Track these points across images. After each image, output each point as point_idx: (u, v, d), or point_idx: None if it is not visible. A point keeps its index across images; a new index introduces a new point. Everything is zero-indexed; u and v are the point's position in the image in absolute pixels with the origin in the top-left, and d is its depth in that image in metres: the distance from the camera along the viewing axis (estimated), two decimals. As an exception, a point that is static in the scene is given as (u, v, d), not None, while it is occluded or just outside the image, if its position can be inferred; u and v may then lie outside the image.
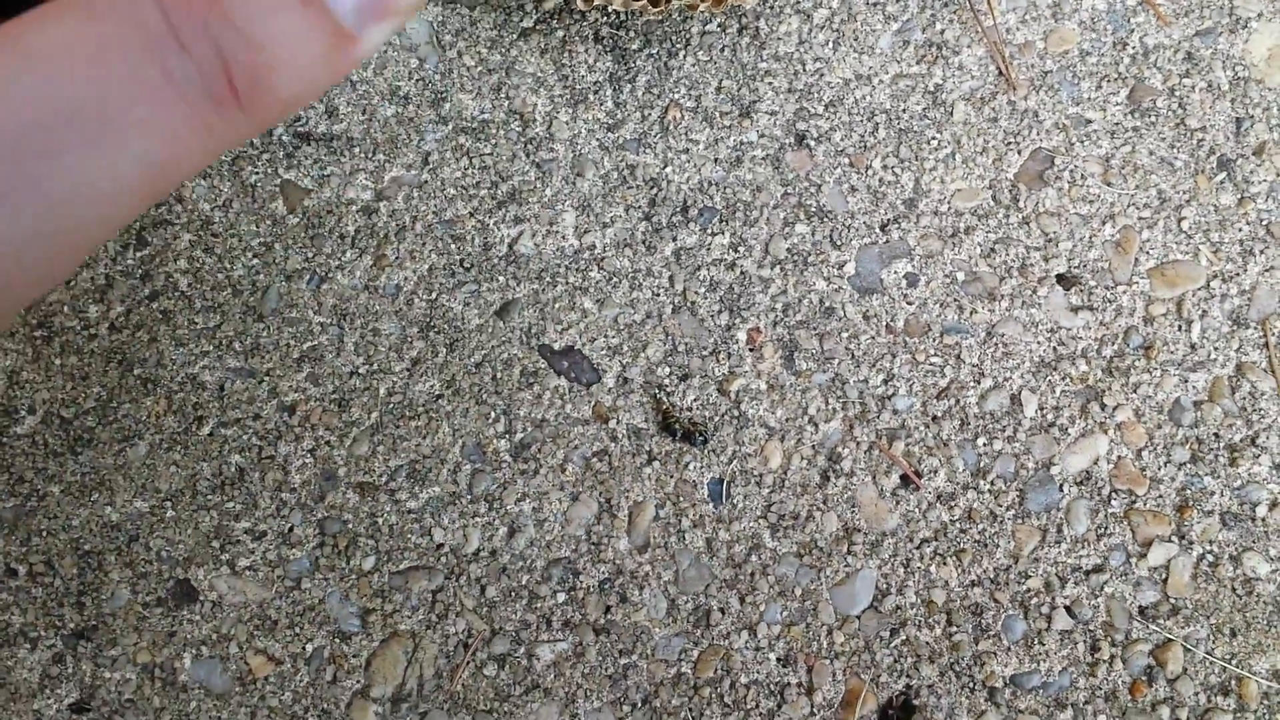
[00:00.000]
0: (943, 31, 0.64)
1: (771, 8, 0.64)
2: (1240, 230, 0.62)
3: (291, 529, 0.58)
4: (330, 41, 0.17)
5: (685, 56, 0.64)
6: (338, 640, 0.57)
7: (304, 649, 0.57)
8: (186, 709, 0.56)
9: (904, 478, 0.58)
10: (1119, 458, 0.59)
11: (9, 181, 0.16)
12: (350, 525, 0.58)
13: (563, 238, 0.62)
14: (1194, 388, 0.60)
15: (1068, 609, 0.57)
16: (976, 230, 0.62)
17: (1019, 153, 0.63)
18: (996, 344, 0.60)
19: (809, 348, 0.60)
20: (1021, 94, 0.63)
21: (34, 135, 0.16)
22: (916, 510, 0.58)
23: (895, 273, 0.61)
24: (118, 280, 0.62)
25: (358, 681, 0.57)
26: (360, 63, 0.19)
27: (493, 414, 0.59)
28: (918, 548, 0.57)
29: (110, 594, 0.58)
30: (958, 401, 0.59)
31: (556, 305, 0.61)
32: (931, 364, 0.60)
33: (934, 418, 0.59)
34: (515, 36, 0.64)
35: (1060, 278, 0.61)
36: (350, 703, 0.56)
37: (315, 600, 0.57)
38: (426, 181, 0.63)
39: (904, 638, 0.57)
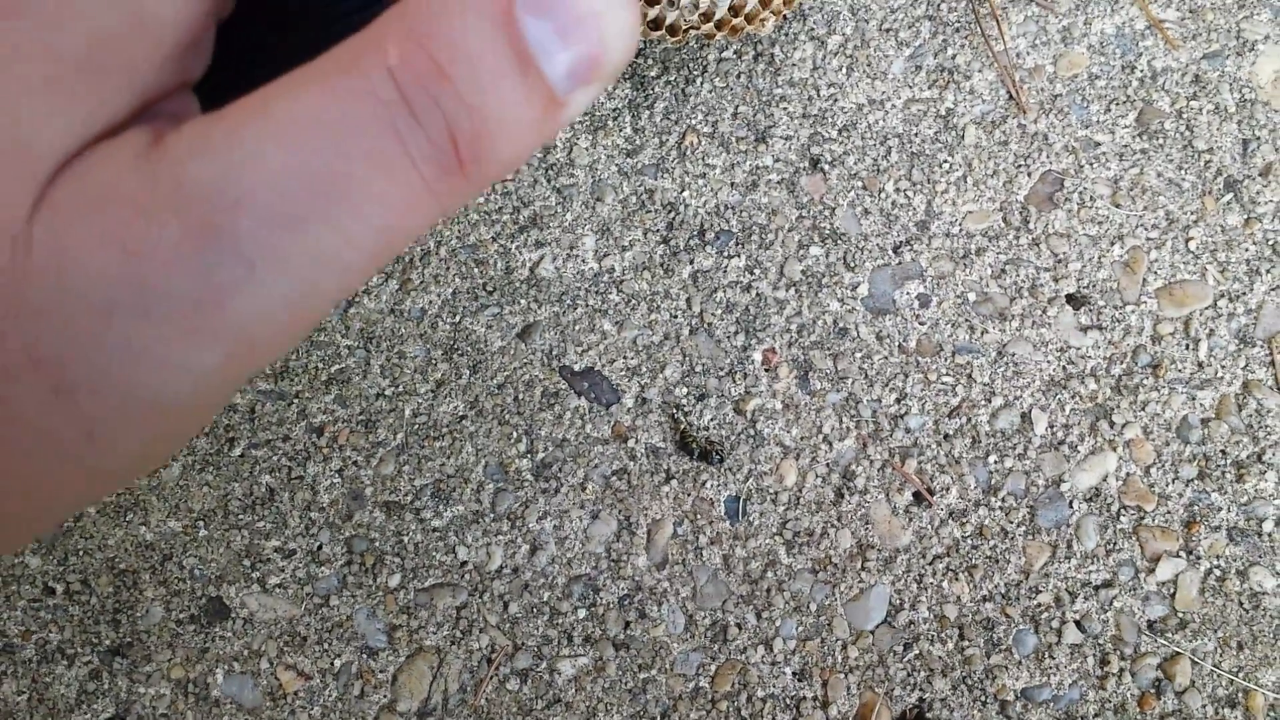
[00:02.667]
0: (954, 57, 0.70)
1: (786, 35, 0.70)
2: (1247, 250, 0.67)
3: (320, 547, 0.64)
4: (544, 107, 0.18)
5: (702, 83, 0.70)
6: (365, 656, 0.63)
7: (332, 664, 0.63)
8: (220, 722, 0.62)
9: (917, 495, 0.64)
10: (1128, 475, 0.64)
11: (258, 251, 0.17)
12: (377, 543, 0.64)
13: (583, 261, 0.68)
14: (1201, 405, 0.65)
15: (1078, 623, 0.62)
16: (987, 251, 0.67)
17: (1029, 175, 0.68)
18: (1007, 363, 0.66)
19: (823, 368, 0.66)
20: (1032, 117, 0.69)
21: (282, 207, 0.17)
22: (929, 527, 0.63)
23: (908, 294, 0.67)
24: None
25: (384, 696, 0.62)
26: (566, 126, 0.21)
27: (515, 434, 0.65)
28: (930, 564, 0.63)
29: (145, 611, 0.64)
30: (969, 420, 0.65)
31: (577, 327, 0.67)
32: (943, 383, 0.65)
33: (946, 436, 0.65)
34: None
35: (1070, 298, 0.67)
36: (377, 717, 0.62)
37: (343, 617, 0.63)
38: (449, 207, 0.69)
39: (917, 652, 0.62)
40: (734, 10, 0.64)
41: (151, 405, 0.18)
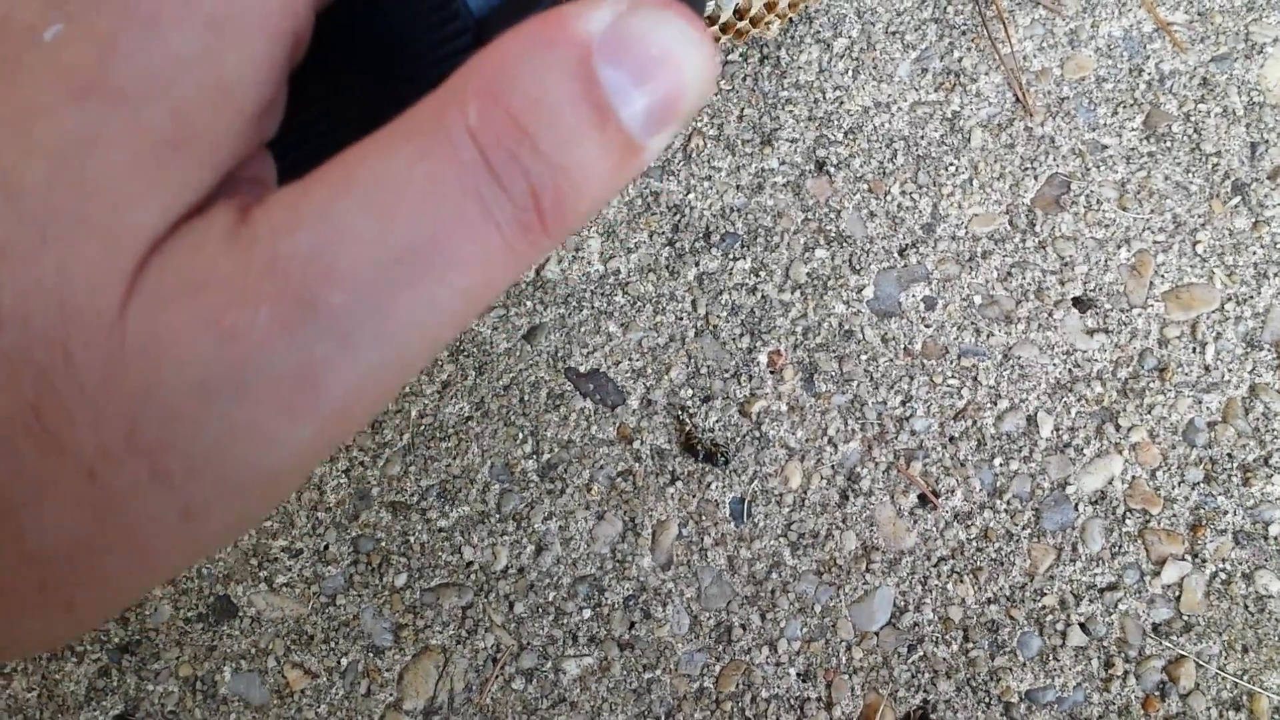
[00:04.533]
0: (960, 60, 0.74)
1: (792, 38, 0.74)
2: (1255, 254, 0.70)
3: (327, 547, 0.67)
4: (623, 154, 0.19)
5: (707, 86, 0.74)
6: (371, 655, 0.66)
7: (339, 663, 0.66)
8: None
9: (922, 497, 0.67)
10: (1133, 478, 0.67)
11: (350, 325, 0.18)
12: (383, 543, 0.67)
13: (588, 263, 0.71)
14: (1208, 409, 0.68)
15: (1082, 626, 0.65)
16: (993, 255, 0.70)
17: (1036, 178, 0.72)
18: (1013, 366, 0.69)
19: (828, 370, 0.69)
20: (1038, 120, 0.72)
21: (372, 279, 0.18)
22: (934, 529, 0.67)
23: (913, 296, 0.70)
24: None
25: (390, 695, 0.66)
26: (646, 168, 0.22)
27: (520, 435, 0.69)
28: (935, 566, 0.66)
29: (153, 609, 0.67)
30: (975, 423, 0.68)
31: (582, 329, 0.70)
32: (949, 386, 0.69)
33: (951, 438, 0.68)
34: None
35: (1076, 301, 0.70)
36: (383, 715, 0.65)
37: (350, 616, 0.67)
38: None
39: (921, 654, 0.65)
40: (739, 14, 0.68)
41: (248, 482, 0.19)
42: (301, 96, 0.21)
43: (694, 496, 0.68)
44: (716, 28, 0.68)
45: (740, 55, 0.74)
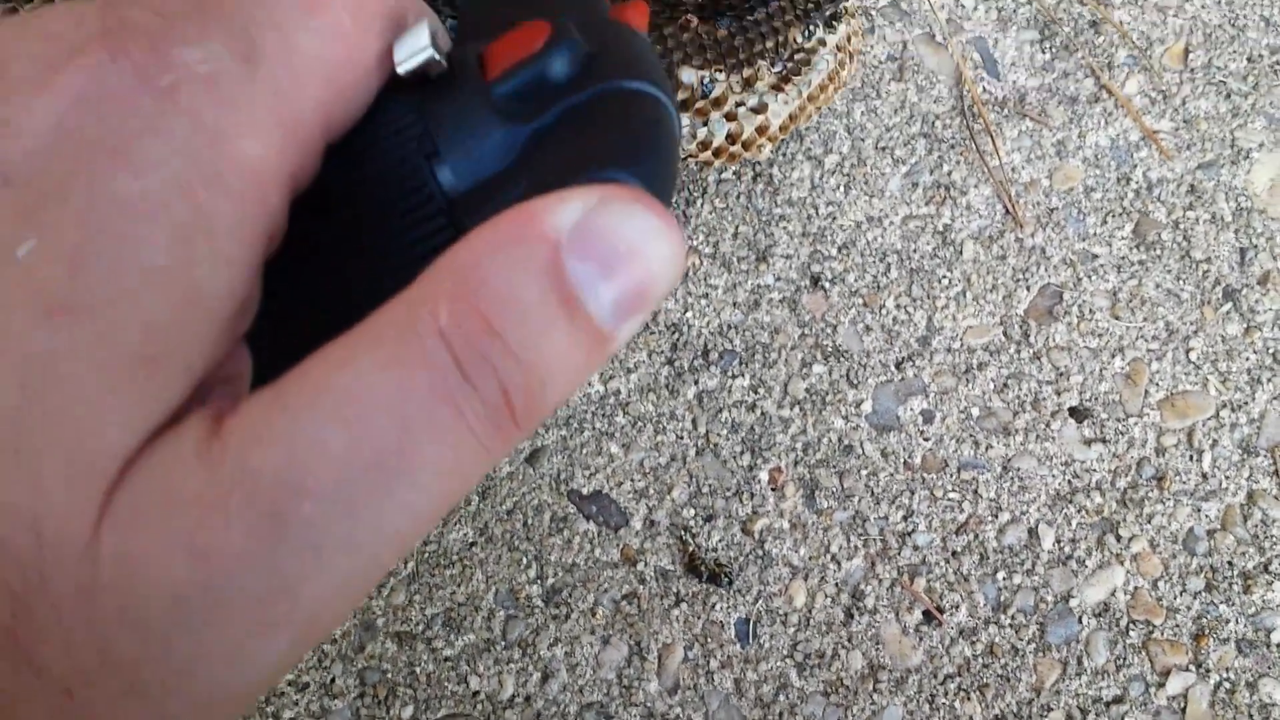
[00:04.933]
0: (950, 173, 0.75)
1: (784, 155, 0.75)
2: (1248, 360, 0.71)
3: (333, 680, 0.68)
4: (591, 346, 0.19)
5: (703, 204, 0.75)
6: (379, 787, 0.66)
7: (347, 797, 0.66)
8: None
9: (926, 614, 0.68)
10: (1135, 589, 0.68)
11: (323, 537, 0.18)
12: (389, 675, 0.68)
13: (589, 384, 0.72)
14: (1207, 517, 0.69)
15: (1090, 741, 0.66)
16: (989, 366, 0.72)
17: (1028, 289, 0.73)
18: (1013, 478, 0.70)
19: (830, 486, 0.70)
20: (1029, 231, 0.74)
21: (345, 489, 0.18)
22: (940, 646, 0.67)
23: (911, 410, 0.71)
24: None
25: (399, 828, 0.66)
26: (614, 355, 0.25)
27: (524, 560, 0.69)
28: (942, 683, 0.67)
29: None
30: (977, 536, 0.69)
31: (584, 451, 0.71)
32: (950, 499, 0.70)
33: (954, 553, 0.69)
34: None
35: (1073, 411, 0.71)
36: None
37: (357, 748, 0.67)
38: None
39: (931, 773, 0.66)
40: (731, 138, 0.69)
41: (223, 695, 0.19)
42: (275, 282, 0.22)
43: (699, 618, 0.68)
44: (710, 152, 0.70)
45: (734, 173, 0.76)
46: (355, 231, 0.23)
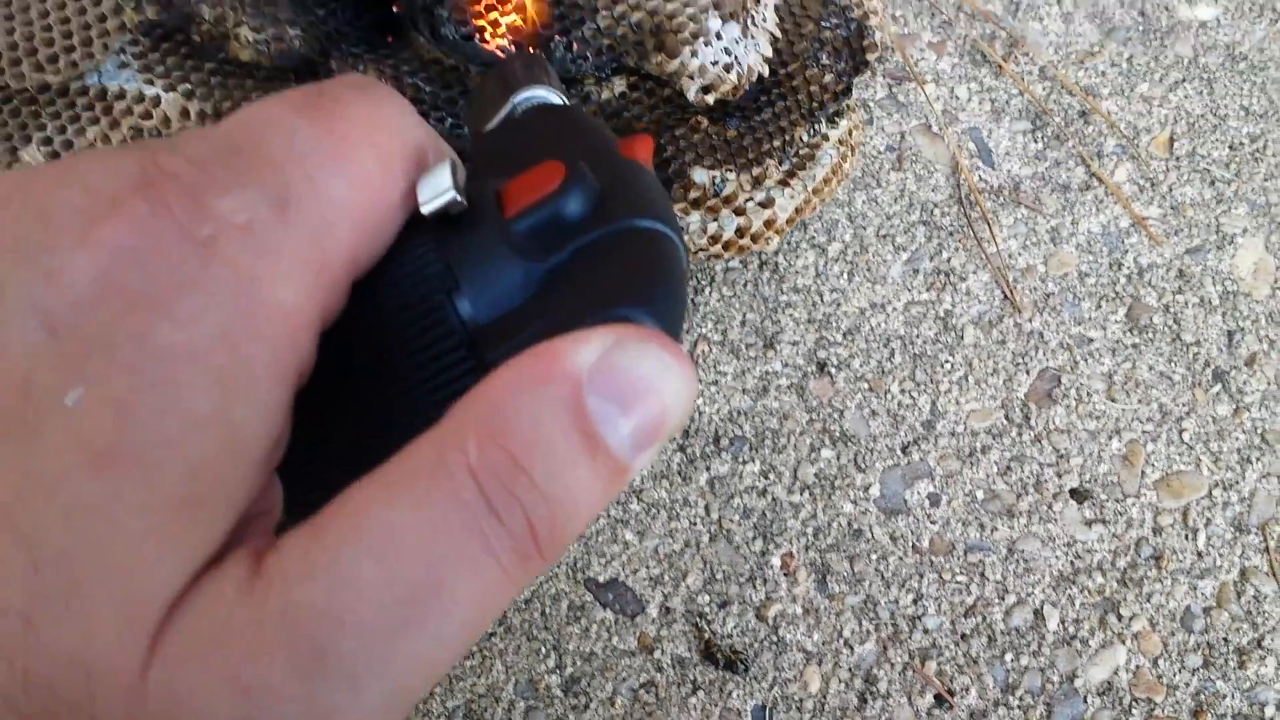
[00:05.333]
0: (949, 260, 0.78)
1: (789, 243, 0.78)
2: (1237, 439, 0.75)
3: (356, 773, 0.69)
4: (610, 477, 0.20)
5: (711, 293, 0.77)
6: None
7: None
8: None
9: (938, 697, 0.70)
10: (1137, 667, 0.71)
11: (359, 667, 0.19)
12: (412, 766, 0.69)
13: (603, 474, 0.74)
14: (1202, 594, 0.72)
15: (1098, 819, 0.68)
16: (992, 449, 0.74)
17: (1027, 373, 0.76)
18: (1018, 560, 0.72)
19: (841, 570, 0.72)
20: (1027, 316, 0.77)
21: (381, 621, 0.19)
22: (951, 728, 0.69)
23: (918, 493, 0.73)
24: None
25: None
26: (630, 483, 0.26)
27: (543, 649, 0.71)
28: (954, 765, 0.69)
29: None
30: (984, 618, 0.71)
31: (600, 539, 0.73)
32: (958, 582, 0.72)
33: (963, 635, 0.71)
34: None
35: (1074, 492, 0.74)
36: None
37: (380, 842, 0.68)
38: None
39: None
40: (740, 232, 0.72)
41: None
42: (302, 411, 0.22)
43: (716, 706, 0.70)
44: (719, 245, 0.72)
45: (740, 262, 0.78)
46: (379, 362, 0.24)
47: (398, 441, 0.22)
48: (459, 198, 0.23)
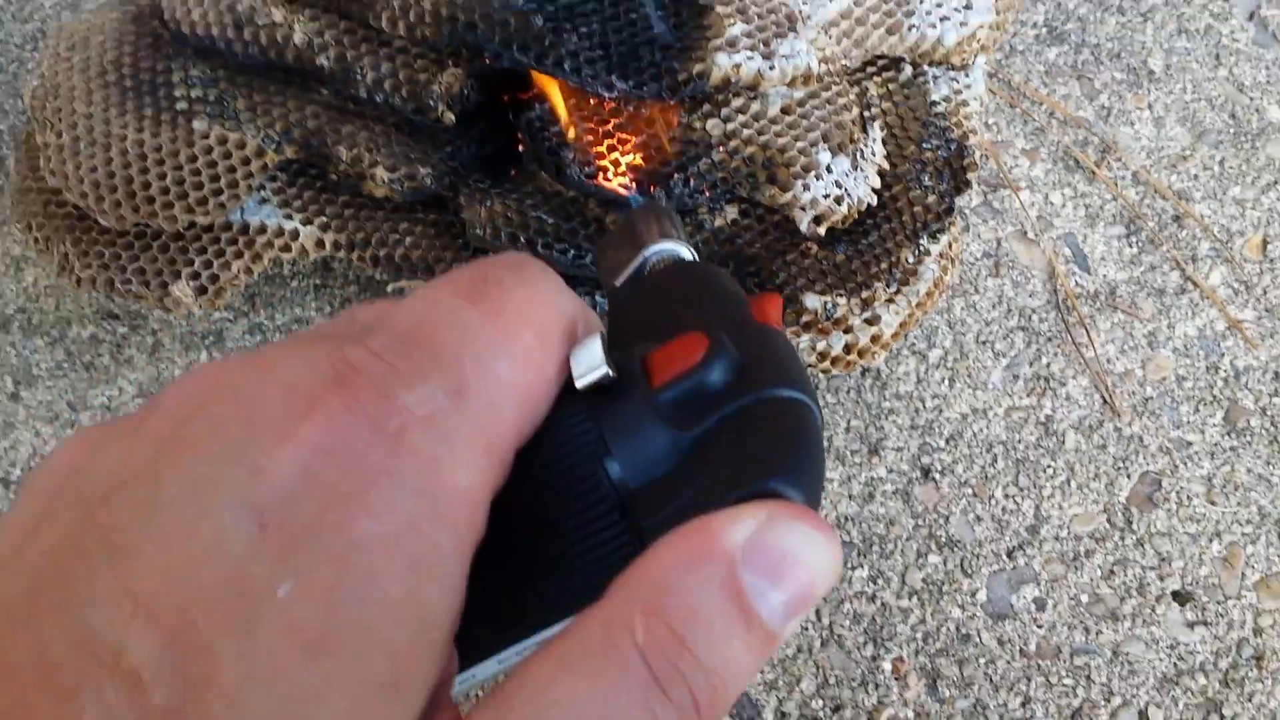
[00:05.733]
0: (1048, 365, 0.81)
1: (890, 351, 0.81)
2: (1338, 541, 0.76)
3: None
4: (762, 646, 0.22)
5: (816, 403, 0.80)
6: None
7: None
8: None
9: (1048, 800, 0.72)
10: (1245, 769, 0.73)
11: None
12: None
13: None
14: (1308, 697, 0.74)
15: None
16: (1096, 553, 0.77)
17: (1128, 477, 0.78)
18: (1122, 663, 0.75)
19: (950, 675, 0.75)
20: (1126, 420, 0.79)
21: None
22: (1062, 830, 0.72)
23: (1024, 598, 0.76)
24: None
25: None
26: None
27: (665, 753, 0.74)
28: None
29: None
30: (1091, 721, 0.74)
31: (716, 645, 0.76)
32: (1064, 685, 0.74)
33: (1070, 738, 0.73)
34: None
35: (1175, 595, 0.76)
36: None
37: None
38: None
39: None
40: (848, 348, 0.75)
41: None
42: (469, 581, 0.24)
43: (834, 808, 0.73)
44: (828, 361, 0.75)
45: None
46: (537, 523, 0.25)
47: (553, 598, 0.24)
48: (610, 372, 0.25)
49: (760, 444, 0.25)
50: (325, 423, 0.21)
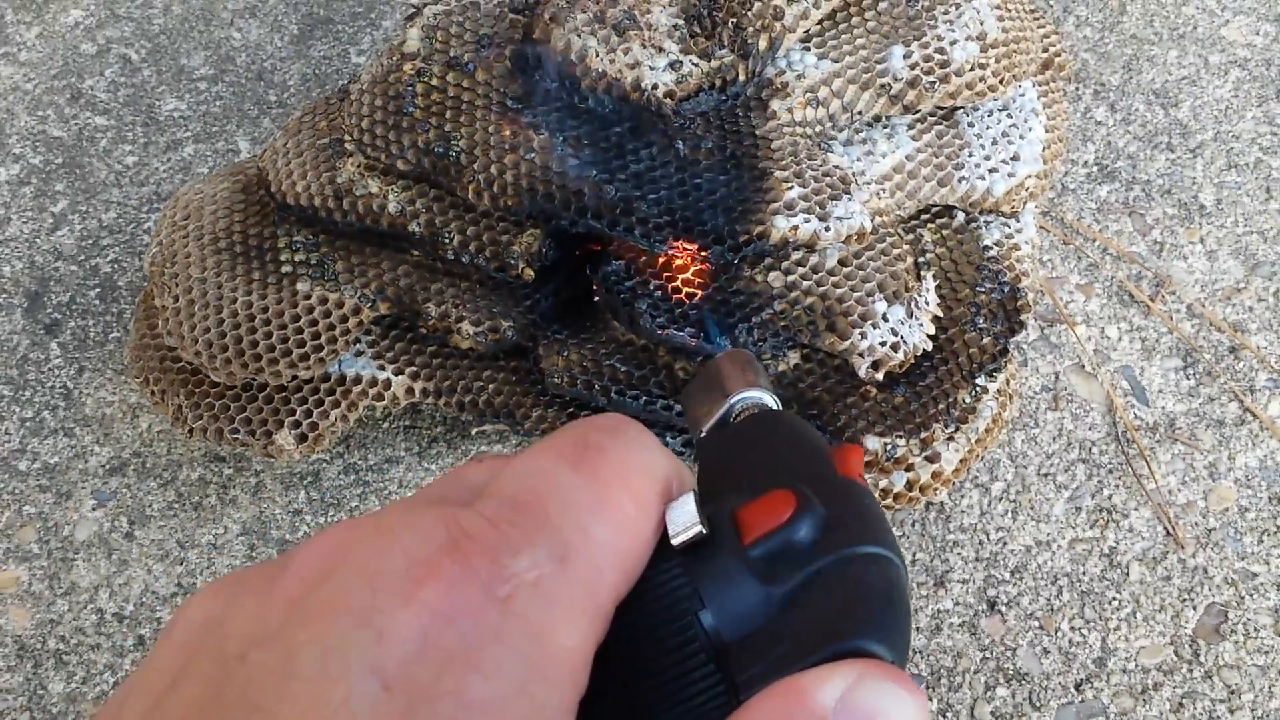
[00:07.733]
0: (1110, 496, 0.84)
1: (952, 485, 0.85)
2: None
3: None
4: None
5: (882, 536, 0.84)
6: None
7: None
8: None
9: None
10: None
11: None
12: None
13: None
14: (1390, 834, 0.74)
15: None
16: (1164, 686, 0.79)
17: (1194, 608, 0.80)
18: (1196, 797, 0.76)
19: (1021, 808, 0.77)
20: (1190, 552, 0.82)
21: None
22: None
23: (1093, 730, 0.78)
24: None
25: None
26: None
27: None
28: None
29: None
30: None
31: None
32: (1137, 820, 0.76)
33: None
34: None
35: (1247, 728, 0.77)
36: None
37: None
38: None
39: None
40: (909, 485, 0.79)
41: None
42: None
43: None
44: (890, 498, 0.79)
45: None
46: (635, 674, 0.26)
47: None
48: (704, 529, 0.27)
49: (849, 601, 0.26)
50: (442, 588, 0.22)
